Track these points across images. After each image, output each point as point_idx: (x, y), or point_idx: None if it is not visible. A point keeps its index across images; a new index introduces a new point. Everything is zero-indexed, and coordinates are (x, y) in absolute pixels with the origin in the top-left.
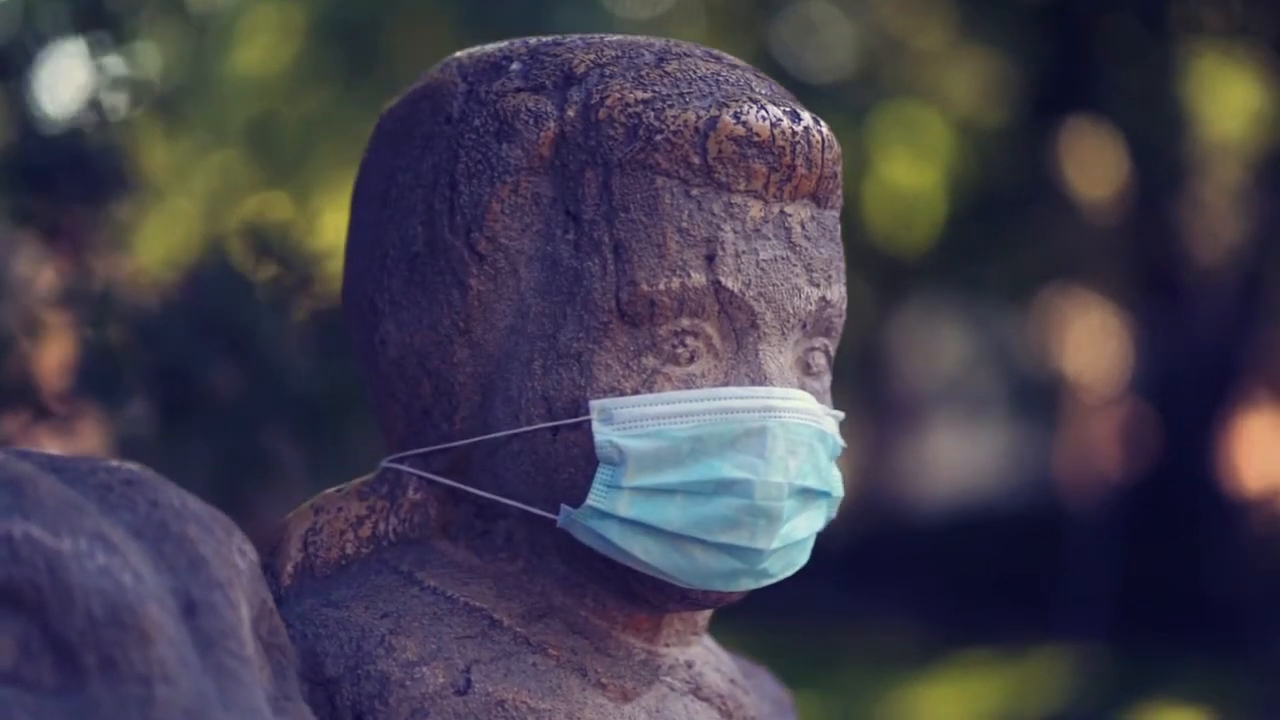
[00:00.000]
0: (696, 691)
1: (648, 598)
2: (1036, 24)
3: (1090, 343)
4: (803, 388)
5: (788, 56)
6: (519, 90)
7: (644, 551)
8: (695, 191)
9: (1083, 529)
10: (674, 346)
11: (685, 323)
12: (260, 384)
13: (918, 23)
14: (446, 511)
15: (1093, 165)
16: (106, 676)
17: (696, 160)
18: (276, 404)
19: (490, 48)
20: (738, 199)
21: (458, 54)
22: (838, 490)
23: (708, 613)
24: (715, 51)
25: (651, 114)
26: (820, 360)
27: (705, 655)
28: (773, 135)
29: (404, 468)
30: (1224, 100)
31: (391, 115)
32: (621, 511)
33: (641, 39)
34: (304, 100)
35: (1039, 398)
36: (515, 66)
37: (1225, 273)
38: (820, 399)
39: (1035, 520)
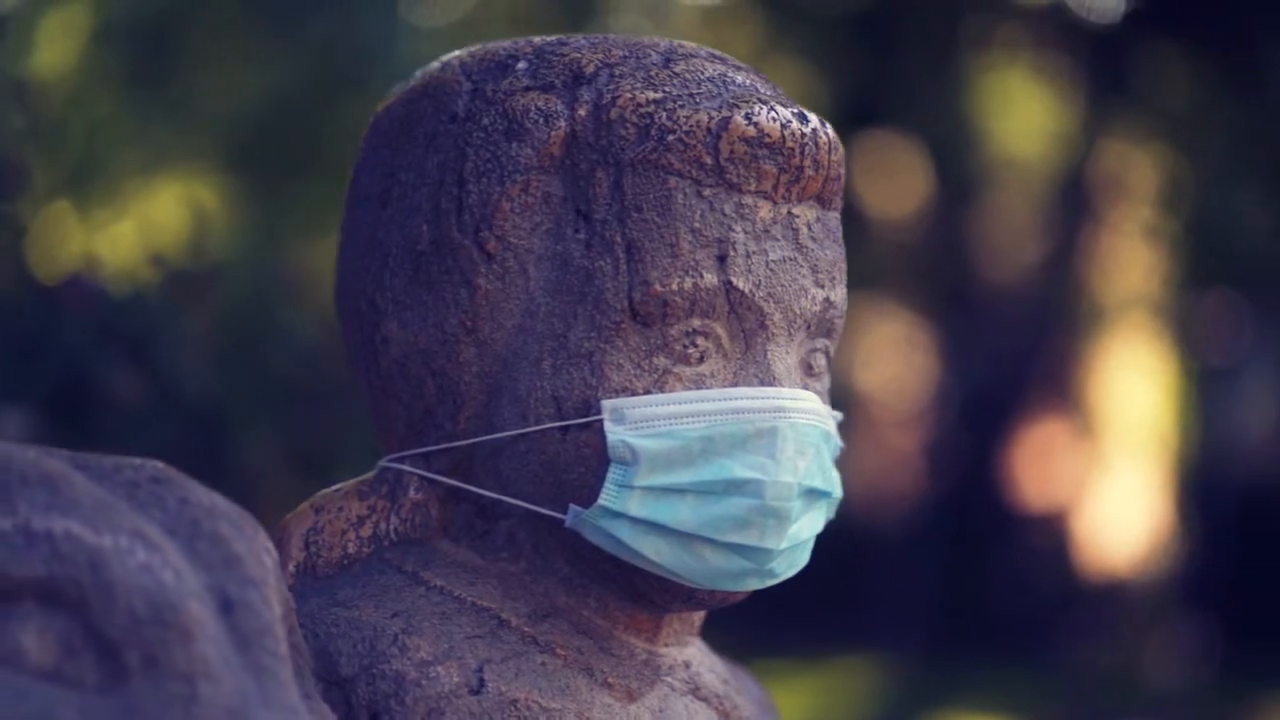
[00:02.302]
0: (695, 691)
1: (653, 598)
2: (842, 37)
3: (893, 357)
4: (805, 388)
5: None
6: (528, 89)
7: (654, 551)
8: (707, 192)
9: (888, 541)
10: (685, 346)
11: (696, 323)
12: (155, 390)
13: (724, 34)
14: (447, 511)
15: (897, 179)
16: (149, 674)
17: (709, 161)
18: (170, 410)
19: (492, 46)
20: (748, 200)
21: (456, 53)
22: (838, 491)
23: (702, 614)
24: (718, 52)
25: (663, 114)
26: (821, 361)
27: (700, 656)
28: (783, 136)
29: (405, 467)
30: (1021, 116)
31: (388, 114)
32: (633, 511)
33: (645, 39)
34: (92, 105)
35: (843, 410)
36: (522, 65)
37: (1022, 288)
38: (822, 399)
39: (840, 531)
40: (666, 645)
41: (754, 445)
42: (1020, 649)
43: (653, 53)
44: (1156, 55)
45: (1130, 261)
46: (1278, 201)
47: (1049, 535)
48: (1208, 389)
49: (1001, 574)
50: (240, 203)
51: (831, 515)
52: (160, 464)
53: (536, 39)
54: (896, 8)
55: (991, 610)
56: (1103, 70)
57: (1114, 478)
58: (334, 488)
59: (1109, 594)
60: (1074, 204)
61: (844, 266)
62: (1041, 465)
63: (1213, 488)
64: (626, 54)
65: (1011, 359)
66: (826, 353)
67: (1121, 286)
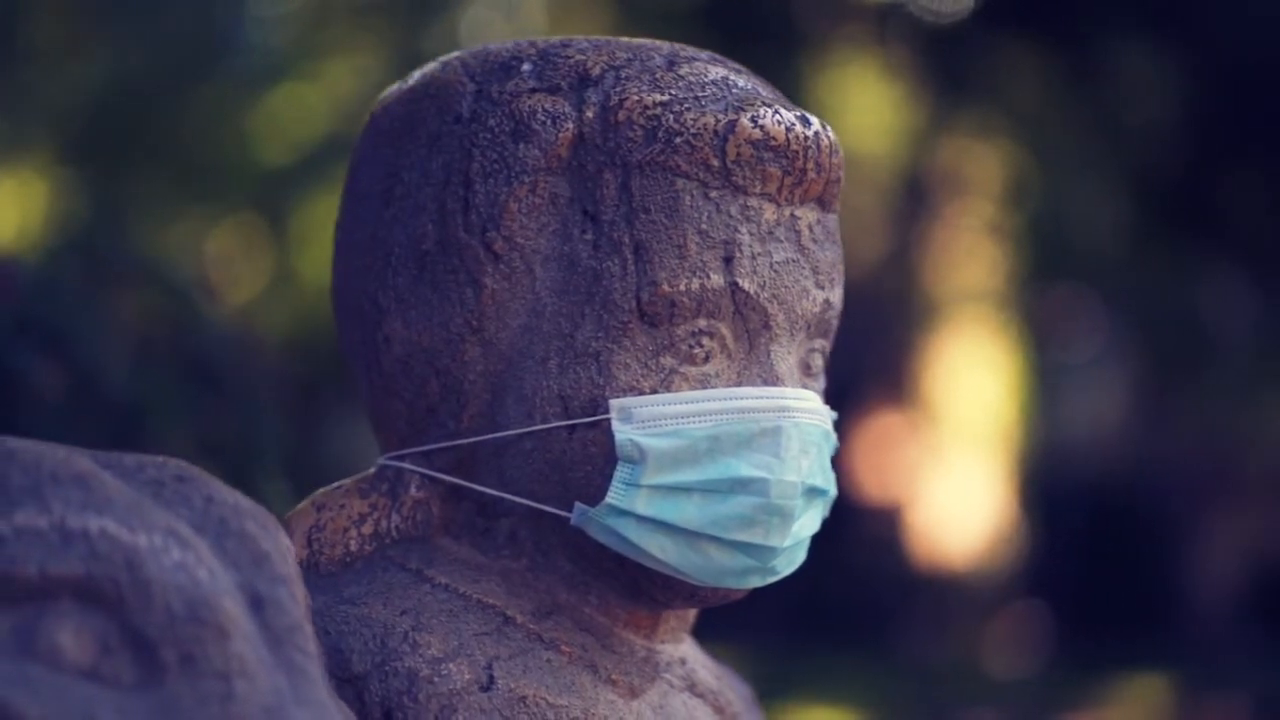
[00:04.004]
0: (692, 688)
1: (655, 595)
2: (685, 30)
3: None
4: (804, 388)
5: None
6: (534, 91)
7: (660, 549)
8: (714, 194)
9: None
10: (691, 347)
11: (702, 323)
12: (74, 386)
13: (570, 26)
14: (448, 509)
15: None
16: (186, 672)
17: (715, 163)
18: (90, 407)
19: (494, 47)
20: (753, 201)
21: (457, 53)
22: (834, 489)
23: (696, 611)
24: (718, 55)
25: (670, 116)
26: (818, 361)
27: (694, 653)
28: (788, 139)
29: (406, 465)
30: (864, 112)
31: (387, 114)
32: (640, 509)
33: (647, 41)
34: None
35: None
36: (526, 67)
37: (865, 283)
38: (820, 399)
39: None
40: (663, 642)
41: (759, 444)
42: (861, 640)
43: (656, 55)
44: (1000, 51)
45: (974, 256)
46: (1120, 197)
47: (887, 527)
48: (1053, 384)
49: (842, 565)
50: (81, 191)
51: (827, 513)
52: (182, 462)
53: (539, 40)
54: (739, 1)
55: (833, 601)
56: (946, 66)
57: (953, 471)
58: (334, 485)
59: (947, 586)
60: (917, 199)
61: (842, 268)
62: (880, 458)
63: (1057, 481)
64: (631, 56)
65: (855, 352)
66: (824, 353)
67: (965, 281)
